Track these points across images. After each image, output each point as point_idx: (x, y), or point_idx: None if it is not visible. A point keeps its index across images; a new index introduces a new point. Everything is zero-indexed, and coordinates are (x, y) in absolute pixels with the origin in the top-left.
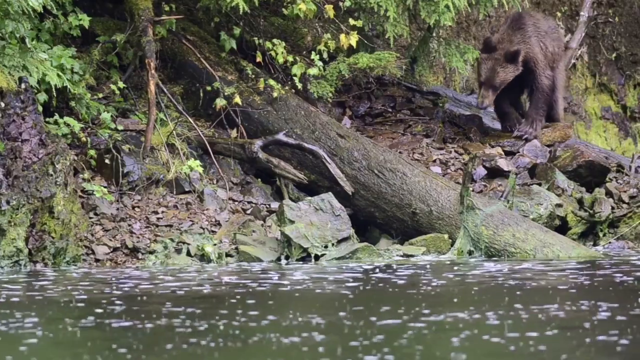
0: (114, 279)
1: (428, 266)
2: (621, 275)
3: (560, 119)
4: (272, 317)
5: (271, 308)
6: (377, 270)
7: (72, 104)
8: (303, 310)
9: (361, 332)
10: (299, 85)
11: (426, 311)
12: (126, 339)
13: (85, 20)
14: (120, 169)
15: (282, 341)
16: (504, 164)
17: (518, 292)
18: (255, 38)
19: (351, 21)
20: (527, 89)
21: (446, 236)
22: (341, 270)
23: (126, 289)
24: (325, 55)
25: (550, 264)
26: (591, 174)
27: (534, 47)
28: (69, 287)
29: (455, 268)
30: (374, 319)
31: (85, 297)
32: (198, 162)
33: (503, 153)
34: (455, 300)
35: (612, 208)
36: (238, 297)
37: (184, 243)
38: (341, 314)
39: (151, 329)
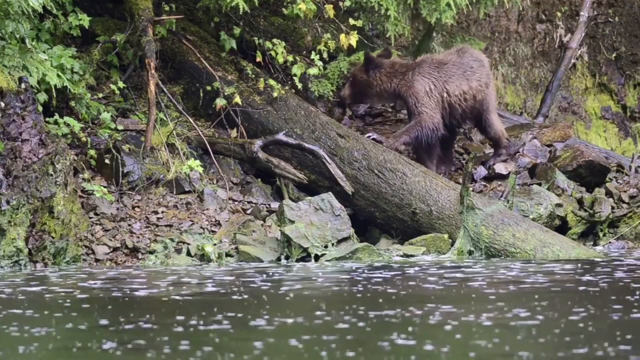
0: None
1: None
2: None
3: (500, 137)
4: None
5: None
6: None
7: (72, 104)
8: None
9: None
10: (299, 85)
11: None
12: None
13: (85, 20)
14: (120, 169)
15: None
16: (502, 168)
17: (393, 296)
18: (255, 38)
19: (351, 21)
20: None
21: (446, 236)
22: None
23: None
24: (325, 55)
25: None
26: (591, 174)
27: (415, 86)
28: None
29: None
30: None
31: None
32: (198, 162)
33: None
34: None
35: (612, 208)
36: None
37: (184, 243)
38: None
39: None
